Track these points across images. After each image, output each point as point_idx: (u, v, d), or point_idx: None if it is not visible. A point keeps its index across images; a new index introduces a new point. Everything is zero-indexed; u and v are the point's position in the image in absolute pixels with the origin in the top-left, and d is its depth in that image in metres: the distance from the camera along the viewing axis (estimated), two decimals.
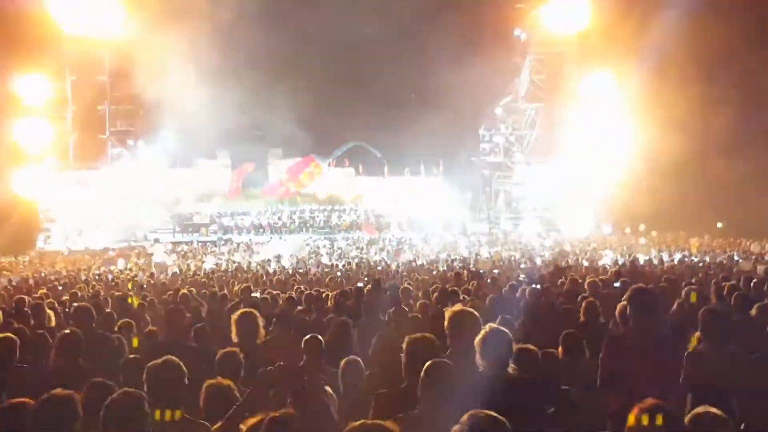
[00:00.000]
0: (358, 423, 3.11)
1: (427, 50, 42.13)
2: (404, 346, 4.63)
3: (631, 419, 3.03)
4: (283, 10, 40.72)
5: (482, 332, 4.54)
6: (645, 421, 3.01)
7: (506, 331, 4.56)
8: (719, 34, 34.76)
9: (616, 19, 40.45)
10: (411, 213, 47.07)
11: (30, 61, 40.43)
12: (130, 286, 16.84)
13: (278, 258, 30.46)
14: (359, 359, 5.46)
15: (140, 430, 3.54)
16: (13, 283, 18.36)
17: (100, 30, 42.09)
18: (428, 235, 42.56)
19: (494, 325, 4.61)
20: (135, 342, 4.10)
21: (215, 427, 4.03)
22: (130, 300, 10.73)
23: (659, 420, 3.01)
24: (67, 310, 10.06)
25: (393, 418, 3.55)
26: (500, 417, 3.12)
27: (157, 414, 3.22)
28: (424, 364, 4.18)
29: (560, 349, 5.49)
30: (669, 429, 3.01)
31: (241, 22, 37.39)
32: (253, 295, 10.78)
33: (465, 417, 3.11)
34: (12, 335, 5.40)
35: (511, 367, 4.50)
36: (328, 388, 4.72)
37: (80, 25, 41.40)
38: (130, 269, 26.86)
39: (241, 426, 3.57)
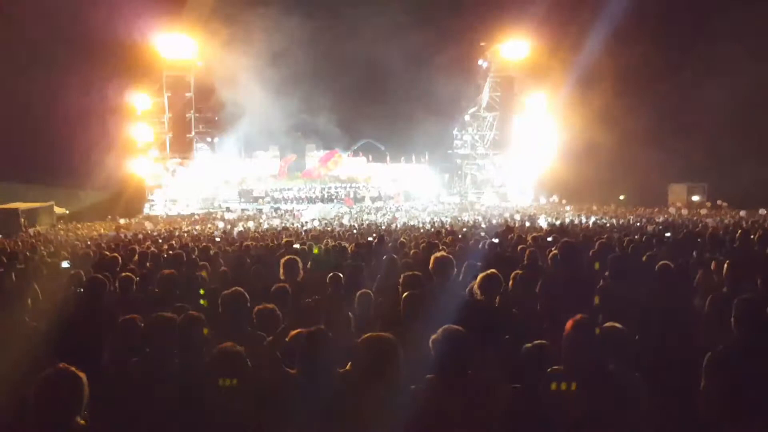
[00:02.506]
0: (367, 335, 3.11)
1: (419, 73, 42.13)
2: (400, 280, 4.61)
3: (568, 326, 3.03)
4: (319, 41, 40.39)
5: (482, 274, 4.44)
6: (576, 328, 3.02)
7: (499, 274, 4.47)
8: (630, 56, 34.61)
9: (552, 51, 40.49)
10: (384, 189, 47.54)
11: (140, 83, 41.46)
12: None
13: (312, 220, 30.40)
14: (369, 291, 5.43)
15: (198, 338, 3.59)
16: (128, 237, 18.41)
17: (186, 57, 42.47)
18: (417, 204, 42.70)
19: (492, 270, 4.49)
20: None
21: (269, 338, 4.05)
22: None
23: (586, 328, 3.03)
24: (165, 256, 10.03)
25: (391, 332, 3.55)
26: (464, 330, 3.08)
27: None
28: None
29: (510, 283, 5.45)
30: (590, 333, 3.04)
31: (288, 48, 37.39)
32: (294, 246, 10.70)
33: (440, 330, 3.09)
34: (102, 277, 5.35)
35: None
36: (349, 314, 4.73)
37: (173, 53, 41.92)
38: (209, 227, 26.88)
39: (287, 338, 3.58)
